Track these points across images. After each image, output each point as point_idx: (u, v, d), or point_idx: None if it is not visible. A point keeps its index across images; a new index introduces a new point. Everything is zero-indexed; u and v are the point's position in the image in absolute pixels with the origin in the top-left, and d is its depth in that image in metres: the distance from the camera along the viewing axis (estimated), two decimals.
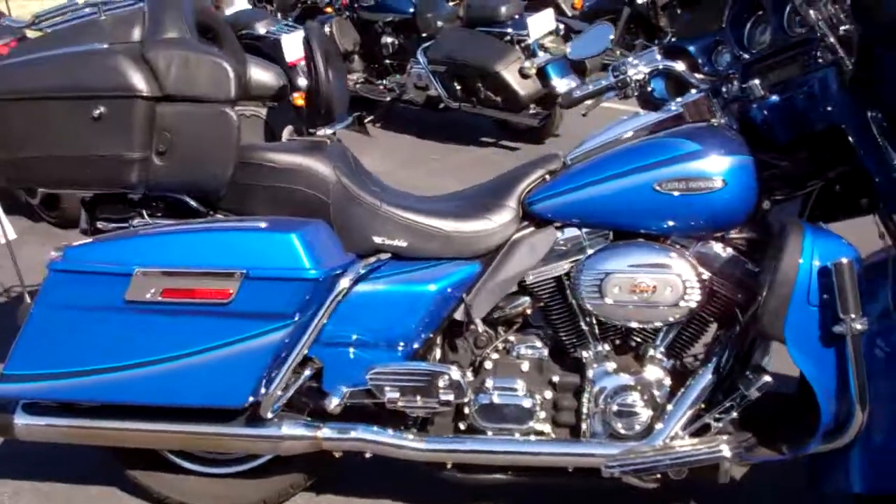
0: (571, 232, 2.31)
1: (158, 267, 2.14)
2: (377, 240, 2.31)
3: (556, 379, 2.35)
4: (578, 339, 2.34)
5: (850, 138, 2.08)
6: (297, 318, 2.18)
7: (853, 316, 1.97)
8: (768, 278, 2.05)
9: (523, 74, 6.05)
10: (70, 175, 2.23)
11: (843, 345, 2.01)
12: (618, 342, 2.35)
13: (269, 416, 2.26)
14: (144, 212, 2.33)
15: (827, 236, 2.07)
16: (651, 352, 2.30)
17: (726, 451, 2.19)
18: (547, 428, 2.34)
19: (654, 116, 2.35)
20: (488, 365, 2.35)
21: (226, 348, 2.17)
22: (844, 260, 1.98)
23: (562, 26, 6.37)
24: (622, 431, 2.27)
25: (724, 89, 2.33)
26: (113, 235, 2.23)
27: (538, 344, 2.38)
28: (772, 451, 2.18)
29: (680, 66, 2.39)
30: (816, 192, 2.24)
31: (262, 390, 2.23)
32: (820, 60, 2.12)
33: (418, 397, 2.28)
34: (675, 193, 2.18)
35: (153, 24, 2.24)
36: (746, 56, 2.36)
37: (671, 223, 2.22)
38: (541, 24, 6.18)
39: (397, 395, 2.28)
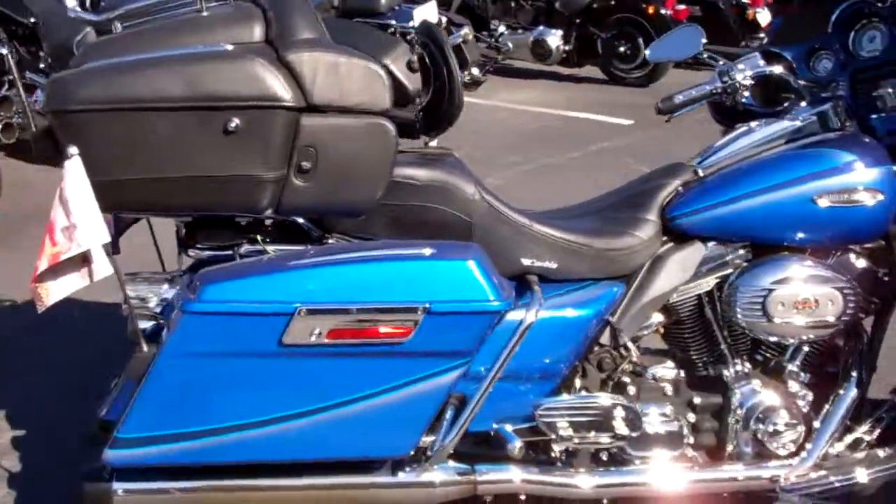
0: (712, 246, 2.22)
1: (325, 304, 1.83)
2: (526, 262, 2.11)
3: (697, 400, 2.24)
4: (717, 357, 2.25)
5: None
6: (478, 355, 1.94)
7: None
8: None
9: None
10: (191, 200, 1.86)
11: None
12: (754, 359, 2.28)
13: (434, 462, 2.01)
14: (258, 237, 2.01)
15: None
16: (789, 367, 2.25)
17: None
18: (691, 452, 2.24)
19: (782, 126, 2.29)
20: (631, 390, 2.21)
21: (395, 392, 1.89)
22: None
23: (444, 19, 6.26)
24: (774, 451, 2.20)
25: (829, 96, 2.32)
26: (259, 268, 1.87)
27: (671, 364, 2.27)
28: None
29: (783, 72, 2.36)
30: None
31: (433, 436, 1.99)
32: None
33: (592, 432, 2.11)
34: (837, 206, 2.13)
35: (282, 21, 1.91)
36: (856, 63, 2.35)
37: (826, 236, 2.17)
38: (425, 15, 6.03)
39: (571, 431, 2.09)
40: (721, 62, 2.43)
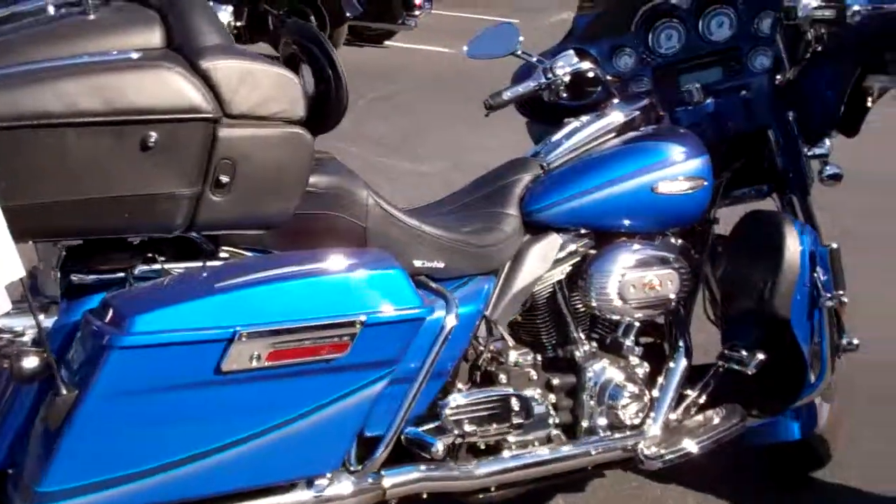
0: (565, 237, 2.37)
1: (265, 325, 1.73)
2: (417, 263, 2.13)
3: (556, 382, 2.38)
4: (569, 340, 2.41)
5: (772, 135, 2.50)
6: (407, 363, 1.94)
7: (841, 292, 2.39)
8: (772, 266, 2.35)
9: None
10: (106, 222, 1.68)
11: (821, 315, 2.41)
12: (600, 339, 2.47)
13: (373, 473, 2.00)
14: (156, 256, 1.85)
15: (804, 225, 2.44)
16: (628, 343, 2.46)
17: (742, 420, 2.47)
18: (555, 431, 2.38)
19: (609, 121, 2.49)
20: (503, 379, 2.31)
21: (328, 408, 1.84)
22: (835, 245, 2.39)
23: None
24: (625, 422, 2.41)
25: (643, 92, 2.58)
26: (188, 292, 1.71)
27: (526, 349, 2.39)
28: (767, 414, 2.52)
29: (598, 69, 2.57)
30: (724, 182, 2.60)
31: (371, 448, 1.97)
32: (756, 67, 2.49)
33: (493, 425, 2.18)
34: (670, 194, 2.37)
35: (185, 26, 1.77)
36: (656, 60, 2.62)
37: (660, 221, 2.41)
38: None
39: (475, 426, 2.15)
40: (534, 58, 2.59)
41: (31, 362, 1.66)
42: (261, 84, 1.76)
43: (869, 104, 2.47)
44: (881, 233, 4.76)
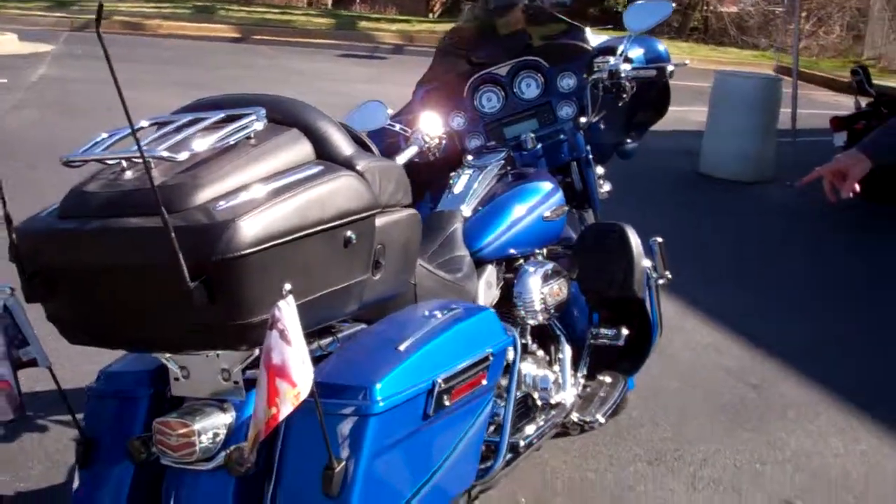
0: (497, 267, 2.92)
1: (449, 371, 2.07)
2: None
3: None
4: None
5: (579, 165, 3.33)
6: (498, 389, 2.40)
7: (668, 273, 3.25)
8: (624, 260, 3.11)
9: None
10: (322, 315, 1.95)
11: (653, 291, 3.25)
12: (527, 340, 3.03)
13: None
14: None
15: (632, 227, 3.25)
16: (536, 341, 3.08)
17: (624, 382, 3.20)
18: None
19: (488, 170, 3.08)
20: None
21: (475, 426, 2.23)
22: (660, 239, 3.23)
23: None
24: (553, 402, 3.02)
25: (499, 145, 3.23)
26: (394, 356, 1.99)
27: None
28: (631, 372, 3.28)
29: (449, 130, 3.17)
30: None
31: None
32: (563, 115, 3.28)
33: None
34: (552, 219, 3.04)
35: (324, 138, 2.03)
36: (486, 117, 3.29)
37: (547, 241, 3.07)
38: None
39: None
40: (397, 127, 3.11)
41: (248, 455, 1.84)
42: (391, 178, 2.11)
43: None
44: None
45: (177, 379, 1.98)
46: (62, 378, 2.06)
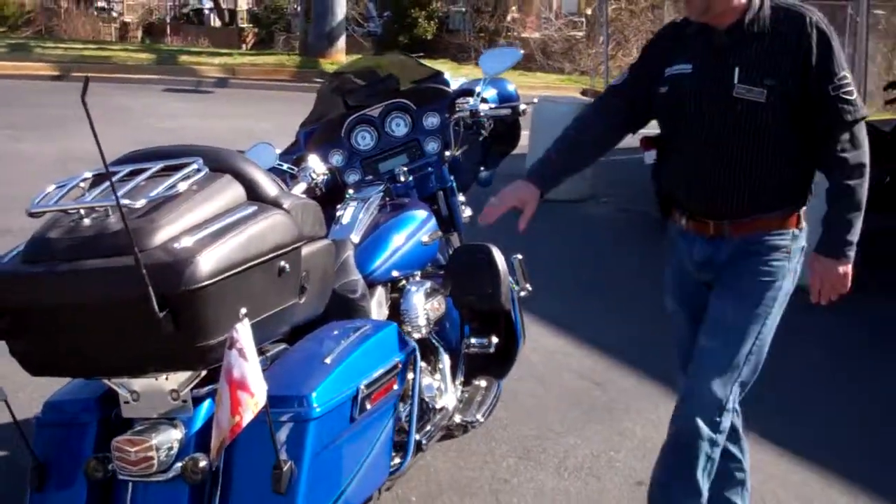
0: (384, 288, 3.24)
1: (369, 377, 2.40)
2: None
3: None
4: None
5: (445, 194, 3.73)
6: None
7: (528, 286, 3.66)
8: (492, 276, 3.48)
9: None
10: (267, 334, 2.26)
11: (516, 303, 3.65)
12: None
13: None
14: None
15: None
16: (427, 352, 3.39)
17: (497, 385, 3.57)
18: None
19: (370, 201, 3.41)
20: None
21: (388, 425, 2.57)
22: (520, 256, 3.64)
23: None
24: (438, 406, 3.35)
25: (377, 179, 3.57)
26: (324, 367, 2.28)
27: None
28: (501, 377, 3.66)
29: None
30: None
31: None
32: (430, 150, 3.66)
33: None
34: (429, 243, 3.40)
35: (253, 182, 2.32)
36: (361, 153, 3.63)
37: (424, 263, 3.41)
38: None
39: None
40: (296, 169, 3.41)
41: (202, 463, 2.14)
42: (310, 213, 2.43)
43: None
44: None
45: (126, 402, 2.22)
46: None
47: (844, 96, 2.61)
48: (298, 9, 20.80)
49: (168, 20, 30.84)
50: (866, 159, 2.66)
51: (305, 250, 2.36)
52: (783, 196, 2.75)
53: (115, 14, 31.07)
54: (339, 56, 16.87)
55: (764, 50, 2.63)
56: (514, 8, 22.86)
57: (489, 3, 22.14)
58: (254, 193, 2.31)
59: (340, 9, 17.34)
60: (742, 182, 2.69)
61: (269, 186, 2.34)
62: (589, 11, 22.34)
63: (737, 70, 2.62)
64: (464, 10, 22.00)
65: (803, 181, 2.78)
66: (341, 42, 17.31)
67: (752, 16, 2.66)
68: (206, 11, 31.49)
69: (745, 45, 2.65)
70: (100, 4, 31.19)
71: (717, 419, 2.68)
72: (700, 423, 2.67)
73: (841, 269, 2.68)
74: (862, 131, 2.67)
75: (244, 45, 24.81)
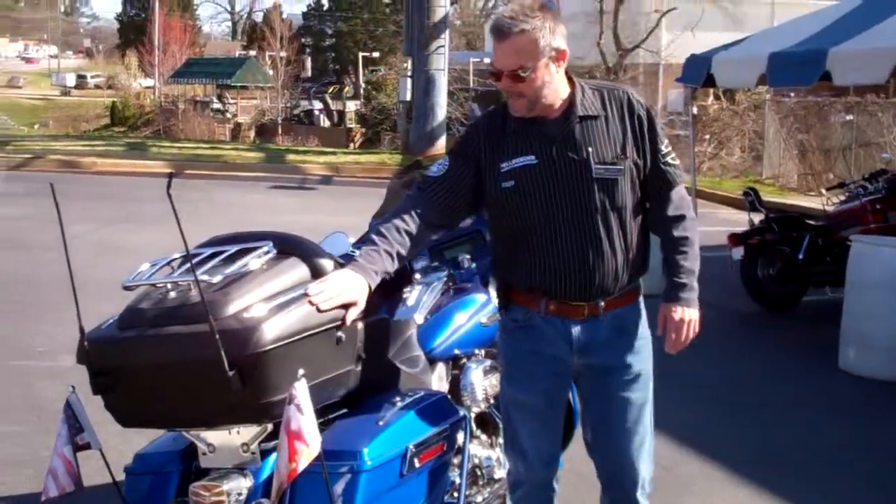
0: (445, 364, 3.53)
1: (417, 439, 2.67)
2: None
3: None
4: None
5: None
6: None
7: None
8: None
9: None
10: (329, 395, 2.54)
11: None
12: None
13: None
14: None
15: None
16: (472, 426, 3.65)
17: None
18: None
19: (434, 286, 3.72)
20: None
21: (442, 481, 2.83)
22: None
23: None
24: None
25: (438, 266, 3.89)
26: (375, 427, 2.58)
27: None
28: None
29: None
30: None
31: None
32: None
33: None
34: (488, 325, 3.68)
35: (317, 264, 2.64)
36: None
37: (484, 342, 3.68)
38: None
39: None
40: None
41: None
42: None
43: None
44: None
45: (204, 454, 2.54)
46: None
47: (672, 162, 2.87)
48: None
49: (279, 121, 32.30)
50: (693, 213, 2.95)
51: (361, 324, 2.66)
52: (642, 264, 2.94)
53: (229, 115, 32.74)
54: (439, 154, 17.49)
55: (604, 130, 2.79)
56: None
57: None
58: (317, 273, 2.63)
59: (441, 110, 18.01)
60: (613, 258, 2.82)
61: (330, 267, 2.67)
62: (695, 110, 22.54)
63: (590, 151, 2.75)
64: None
65: (647, 248, 2.96)
66: (441, 141, 17.90)
67: (580, 100, 2.78)
68: (317, 112, 32.91)
69: (586, 129, 2.77)
70: (215, 106, 32.93)
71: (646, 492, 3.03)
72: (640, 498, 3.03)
73: (692, 313, 2.89)
74: (684, 190, 2.95)
75: (352, 145, 25.76)
